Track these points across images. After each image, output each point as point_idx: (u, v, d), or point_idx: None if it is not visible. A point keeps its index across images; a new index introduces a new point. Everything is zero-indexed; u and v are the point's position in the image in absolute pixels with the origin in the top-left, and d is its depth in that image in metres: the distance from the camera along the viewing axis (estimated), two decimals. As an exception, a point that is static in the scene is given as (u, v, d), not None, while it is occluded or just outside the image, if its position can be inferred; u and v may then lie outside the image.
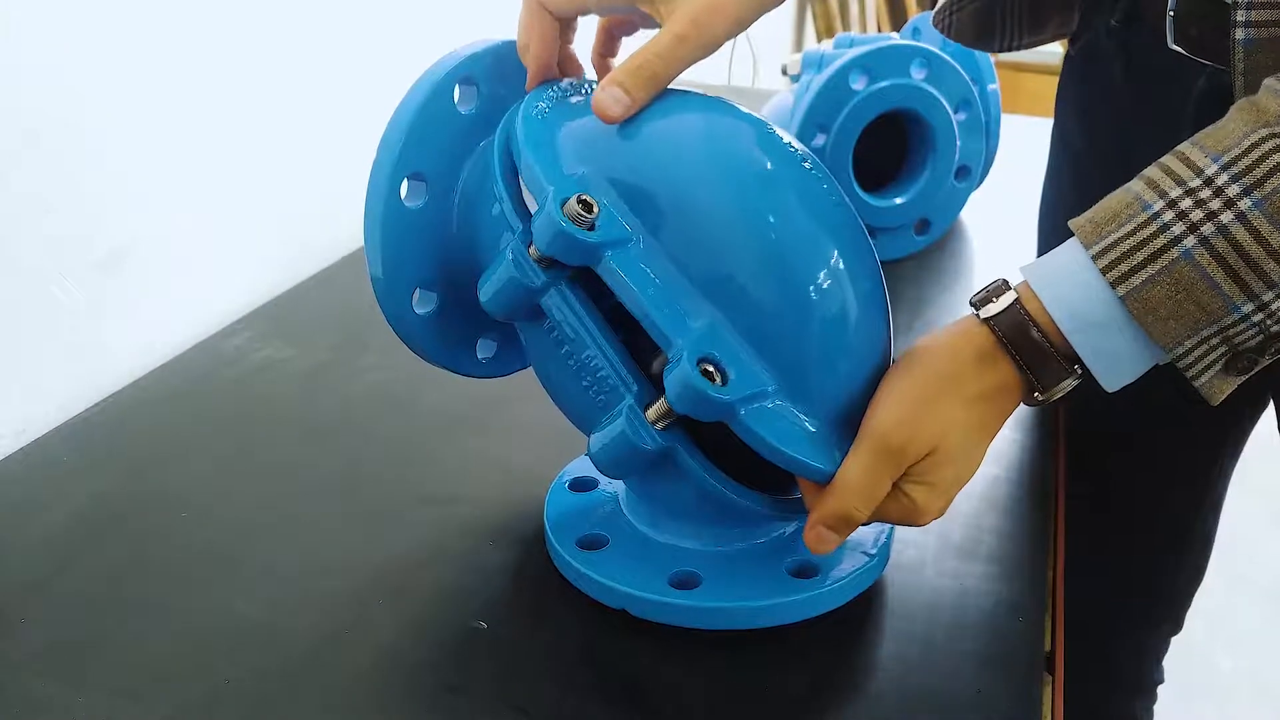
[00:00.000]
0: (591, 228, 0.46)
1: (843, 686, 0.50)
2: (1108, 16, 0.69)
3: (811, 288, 0.47)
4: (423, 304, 0.55)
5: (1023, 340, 0.46)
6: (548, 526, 0.56)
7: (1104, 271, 0.44)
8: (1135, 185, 0.45)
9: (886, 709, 0.48)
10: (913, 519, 0.49)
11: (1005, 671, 0.51)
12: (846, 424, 0.48)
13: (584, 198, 0.46)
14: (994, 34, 0.77)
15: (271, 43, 0.86)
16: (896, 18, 2.80)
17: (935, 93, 0.89)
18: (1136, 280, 0.44)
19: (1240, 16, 0.50)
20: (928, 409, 0.47)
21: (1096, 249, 0.44)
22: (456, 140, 0.54)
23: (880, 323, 0.50)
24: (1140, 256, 0.44)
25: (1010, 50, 0.78)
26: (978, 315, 0.47)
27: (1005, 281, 0.48)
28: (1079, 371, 0.47)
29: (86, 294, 0.72)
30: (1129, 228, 0.44)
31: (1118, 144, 0.71)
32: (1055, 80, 0.82)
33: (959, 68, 0.90)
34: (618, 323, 0.49)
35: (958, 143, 0.92)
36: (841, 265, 0.48)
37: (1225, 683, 1.52)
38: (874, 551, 0.54)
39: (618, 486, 0.59)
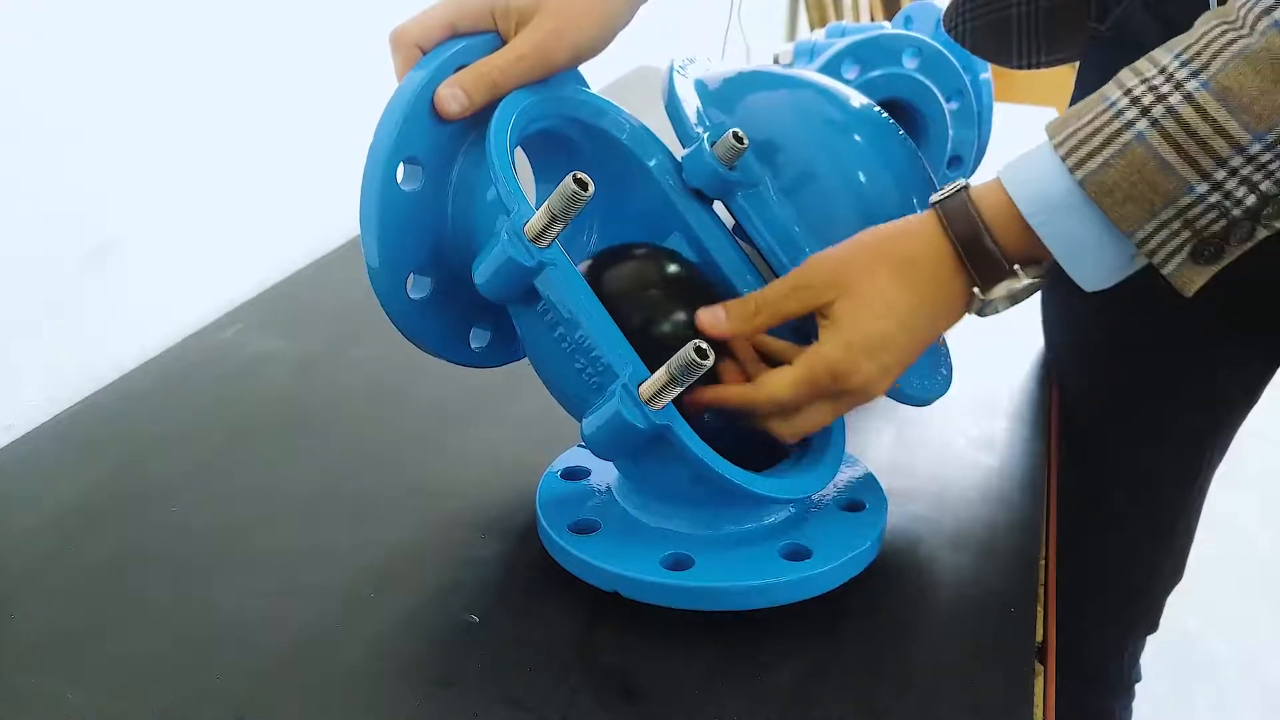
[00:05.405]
0: (732, 167, 0.55)
1: (833, 676, 0.50)
2: None
3: None
4: (417, 289, 0.55)
5: (962, 221, 0.50)
6: (540, 511, 0.56)
7: (1064, 158, 0.47)
8: (1105, 86, 0.48)
9: (878, 698, 0.48)
10: (814, 361, 0.51)
11: (997, 662, 0.51)
12: None
13: (738, 132, 0.54)
14: (1010, 50, 0.79)
15: (262, 37, 0.86)
16: (889, 7, 2.79)
17: (927, 82, 0.88)
18: (1093, 164, 0.46)
19: None
20: (851, 256, 0.51)
21: (1058, 139, 0.47)
22: (452, 126, 0.54)
23: None
24: (1097, 141, 0.46)
25: (1030, 67, 0.79)
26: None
27: (963, 181, 0.51)
28: (1017, 271, 0.50)
29: (76, 287, 0.72)
30: (1089, 118, 0.47)
31: None
32: (1047, 69, 0.82)
33: (951, 57, 0.90)
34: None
35: (950, 132, 0.91)
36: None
37: (1221, 671, 1.52)
38: (868, 538, 0.54)
39: (610, 476, 0.59)
